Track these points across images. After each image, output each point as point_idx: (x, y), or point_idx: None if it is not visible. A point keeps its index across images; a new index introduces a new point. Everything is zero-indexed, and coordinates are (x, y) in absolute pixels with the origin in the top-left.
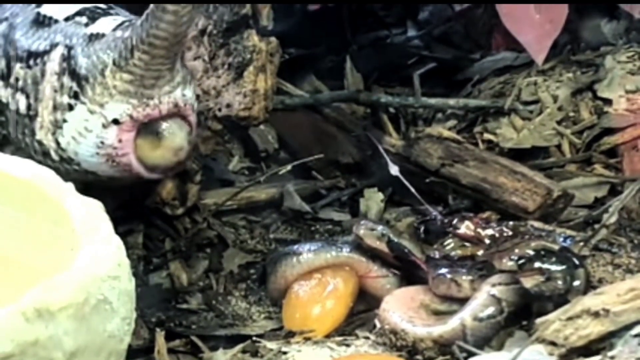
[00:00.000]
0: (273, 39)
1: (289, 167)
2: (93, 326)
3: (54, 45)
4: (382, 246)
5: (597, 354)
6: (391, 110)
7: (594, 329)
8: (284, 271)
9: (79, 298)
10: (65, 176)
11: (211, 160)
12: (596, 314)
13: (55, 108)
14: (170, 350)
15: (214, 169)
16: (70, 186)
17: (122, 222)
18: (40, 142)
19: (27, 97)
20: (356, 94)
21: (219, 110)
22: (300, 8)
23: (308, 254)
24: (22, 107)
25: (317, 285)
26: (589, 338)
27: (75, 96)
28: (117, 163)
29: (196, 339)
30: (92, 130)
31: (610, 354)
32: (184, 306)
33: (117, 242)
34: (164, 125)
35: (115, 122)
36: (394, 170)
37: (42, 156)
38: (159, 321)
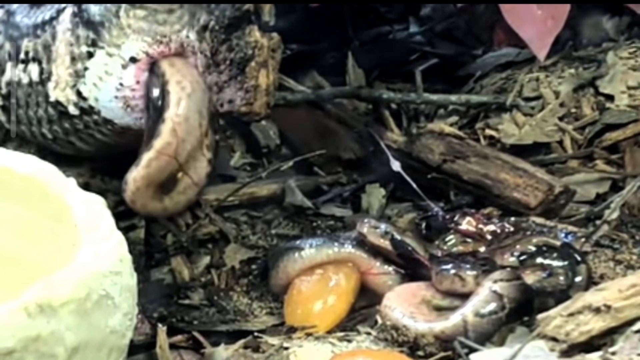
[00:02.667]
0: (275, 34)
1: (290, 162)
2: (95, 322)
3: (60, 10)
4: (386, 244)
5: (598, 350)
6: (393, 106)
7: (595, 324)
8: (285, 267)
9: (81, 293)
10: (81, 135)
11: None
12: (597, 310)
13: (73, 60)
14: (172, 346)
15: (215, 164)
16: (72, 182)
17: (123, 218)
18: (55, 104)
19: (40, 63)
20: (358, 90)
21: (221, 106)
22: (302, 4)
23: (310, 249)
24: (35, 75)
25: (318, 281)
26: (590, 334)
27: (94, 43)
28: (133, 108)
29: (198, 334)
30: (112, 73)
31: (611, 350)
32: (186, 302)
33: (119, 238)
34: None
35: (133, 60)
36: (396, 166)
37: (57, 121)
38: (160, 316)
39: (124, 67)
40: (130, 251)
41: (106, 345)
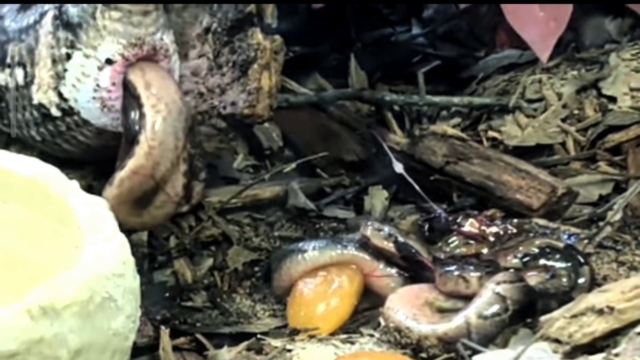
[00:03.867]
0: (277, 37)
1: (293, 165)
2: (98, 324)
3: (43, 14)
4: (389, 246)
5: (601, 351)
6: (395, 108)
7: (598, 326)
8: (288, 269)
9: (84, 296)
10: (65, 137)
11: (216, 158)
12: (600, 312)
13: (54, 62)
14: (175, 348)
15: (218, 167)
16: (74, 184)
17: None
18: (38, 106)
19: (24, 67)
20: (360, 92)
21: (224, 108)
22: (304, 6)
23: (313, 251)
24: (20, 79)
25: (322, 283)
26: (593, 335)
27: (72, 45)
28: (109, 109)
29: (201, 336)
30: (89, 74)
31: (614, 351)
32: (189, 304)
33: (122, 240)
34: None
35: (109, 62)
36: (399, 168)
37: (42, 123)
38: (163, 319)
39: (100, 68)
40: (133, 253)
41: (109, 348)
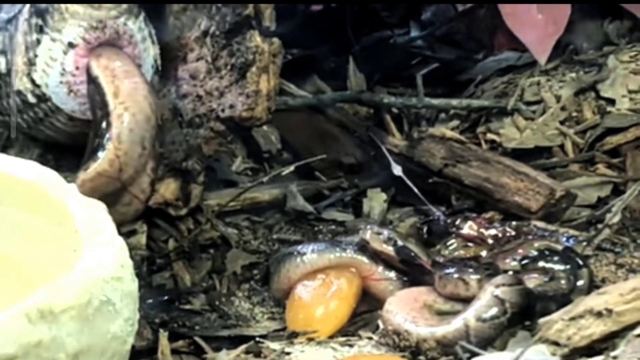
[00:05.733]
0: (276, 39)
1: (292, 167)
2: (96, 327)
3: (25, 3)
4: (389, 250)
5: (600, 354)
6: (394, 110)
7: (596, 329)
8: (287, 271)
9: (82, 299)
10: (45, 124)
11: (214, 161)
12: (599, 314)
13: (27, 49)
14: (174, 351)
15: (217, 169)
16: (73, 187)
17: (125, 223)
18: (18, 93)
19: (6, 55)
20: (359, 94)
21: (222, 111)
22: (302, 9)
23: (312, 254)
24: (3, 67)
25: (320, 285)
26: (591, 338)
27: (41, 30)
28: (75, 93)
29: (199, 339)
30: (56, 58)
31: (612, 354)
32: (187, 307)
33: (120, 243)
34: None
35: (71, 45)
36: (397, 170)
37: (23, 110)
38: (162, 322)
39: (65, 52)
40: (132, 257)
41: (108, 351)
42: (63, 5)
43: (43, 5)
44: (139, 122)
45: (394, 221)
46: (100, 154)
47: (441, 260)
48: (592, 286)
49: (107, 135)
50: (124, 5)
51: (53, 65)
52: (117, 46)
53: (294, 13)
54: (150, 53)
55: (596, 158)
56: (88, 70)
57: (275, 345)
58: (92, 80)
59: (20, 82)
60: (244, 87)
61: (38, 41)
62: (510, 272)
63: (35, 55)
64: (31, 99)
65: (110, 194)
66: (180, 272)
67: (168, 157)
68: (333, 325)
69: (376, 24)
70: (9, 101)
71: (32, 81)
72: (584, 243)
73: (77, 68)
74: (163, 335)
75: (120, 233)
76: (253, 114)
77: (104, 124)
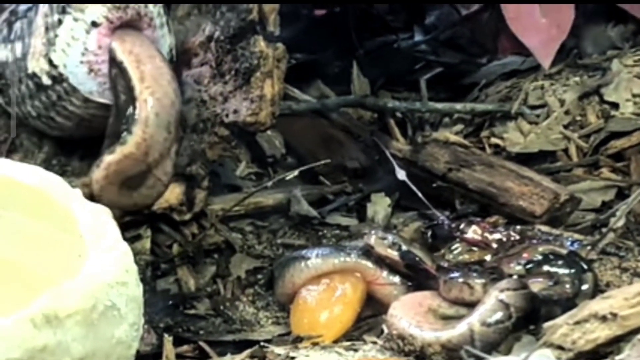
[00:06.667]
0: (280, 44)
1: (296, 172)
2: (101, 332)
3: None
4: (393, 255)
5: (605, 358)
6: (398, 115)
7: (601, 333)
8: (291, 276)
9: (87, 304)
10: (57, 109)
11: (218, 166)
12: (604, 318)
13: (47, 30)
14: (179, 356)
15: (221, 174)
16: (77, 192)
17: (129, 228)
18: (32, 76)
19: (23, 39)
20: (363, 99)
21: (226, 116)
22: (306, 13)
23: (316, 259)
24: (19, 52)
25: (325, 290)
26: (596, 342)
27: (63, 10)
28: (96, 72)
29: (204, 344)
30: (78, 37)
31: (617, 358)
32: (192, 312)
33: (125, 248)
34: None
35: (94, 24)
36: (401, 175)
37: (36, 95)
38: (167, 327)
39: (87, 31)
40: (136, 261)
41: (112, 356)
42: None
43: None
44: (164, 106)
45: (398, 225)
46: (128, 137)
47: (446, 264)
48: (597, 290)
49: (134, 119)
50: None
51: (74, 45)
52: (137, 28)
53: (298, 18)
54: (167, 40)
55: (600, 162)
56: (111, 54)
57: (279, 350)
58: (116, 65)
59: (36, 64)
60: (248, 92)
61: (60, 21)
62: (515, 277)
63: (56, 35)
64: (46, 80)
65: (134, 176)
66: (184, 277)
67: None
68: (337, 329)
69: (380, 28)
70: (21, 88)
71: (50, 62)
72: (589, 247)
73: (99, 47)
74: (168, 340)
75: (124, 238)
76: (257, 119)
77: (130, 109)
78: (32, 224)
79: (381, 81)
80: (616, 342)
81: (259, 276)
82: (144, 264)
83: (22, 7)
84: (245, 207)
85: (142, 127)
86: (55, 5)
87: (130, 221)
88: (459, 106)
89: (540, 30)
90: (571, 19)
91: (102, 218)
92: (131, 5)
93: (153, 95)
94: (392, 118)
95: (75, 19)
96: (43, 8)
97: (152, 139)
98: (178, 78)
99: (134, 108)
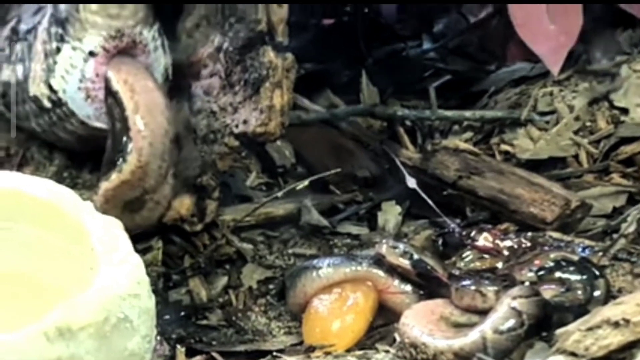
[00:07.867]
0: (289, 54)
1: (306, 182)
2: (114, 345)
3: (45, 14)
4: (405, 264)
5: None
6: (407, 123)
7: (614, 339)
8: (303, 286)
9: (100, 317)
10: (58, 129)
11: (229, 176)
12: (616, 324)
13: (46, 56)
14: None
15: (231, 185)
16: (89, 205)
17: (140, 240)
18: (34, 99)
19: (24, 62)
20: (372, 107)
21: (236, 126)
22: (315, 23)
23: (327, 268)
24: (20, 74)
25: (337, 299)
26: (609, 348)
27: (61, 38)
28: (93, 99)
29: (217, 354)
30: (76, 65)
31: None
32: (204, 322)
33: (137, 260)
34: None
35: (92, 54)
36: (411, 183)
37: (39, 115)
38: (179, 338)
39: (85, 60)
40: (148, 273)
41: None
42: (83, 15)
43: (63, 15)
44: (158, 136)
45: (409, 234)
46: (123, 165)
47: (457, 272)
48: (609, 296)
49: (128, 148)
50: (140, 15)
51: (72, 72)
52: (132, 54)
53: (306, 28)
54: (162, 62)
55: (611, 168)
56: (106, 83)
57: None
58: (111, 94)
59: (37, 88)
60: (257, 103)
61: (58, 49)
62: (527, 284)
63: (55, 62)
64: (46, 104)
65: (133, 200)
66: (196, 288)
67: (183, 174)
68: (350, 338)
69: (388, 37)
70: (25, 107)
71: (50, 87)
72: (600, 253)
73: (96, 75)
74: (180, 351)
75: (136, 250)
76: (267, 129)
77: (124, 138)
78: (43, 236)
79: (390, 90)
80: (629, 348)
81: (271, 286)
82: (156, 275)
83: (23, 27)
84: (256, 217)
85: (136, 156)
86: (53, 32)
87: (142, 233)
88: (468, 113)
89: (548, 37)
90: (579, 25)
91: (114, 230)
92: (127, 32)
93: (147, 127)
94: (402, 126)
95: (74, 48)
96: (42, 34)
97: (147, 167)
98: (187, 90)
99: (129, 138)
